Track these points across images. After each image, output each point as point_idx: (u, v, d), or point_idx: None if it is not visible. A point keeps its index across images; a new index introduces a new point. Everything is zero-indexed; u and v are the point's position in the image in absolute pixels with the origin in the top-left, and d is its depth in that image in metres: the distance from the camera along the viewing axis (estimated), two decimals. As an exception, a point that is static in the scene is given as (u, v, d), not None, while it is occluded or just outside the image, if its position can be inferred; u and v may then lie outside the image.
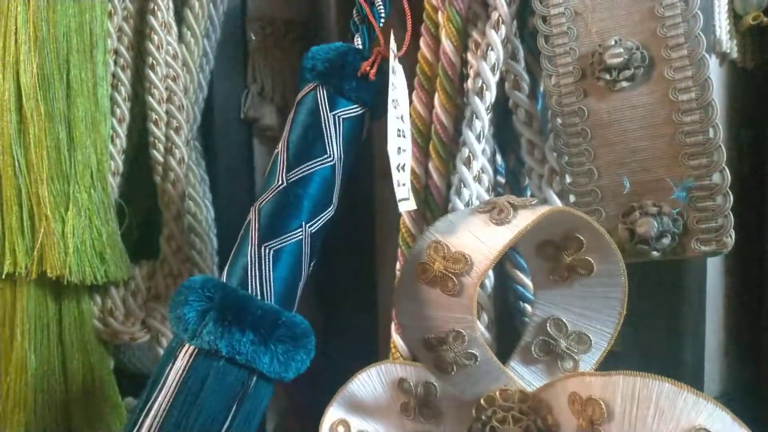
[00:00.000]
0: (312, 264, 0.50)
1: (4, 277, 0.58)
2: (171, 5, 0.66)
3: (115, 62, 0.65)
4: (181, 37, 0.68)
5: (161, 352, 0.65)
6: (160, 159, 0.66)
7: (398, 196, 0.48)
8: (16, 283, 0.60)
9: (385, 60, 0.52)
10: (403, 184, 0.48)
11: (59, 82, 0.58)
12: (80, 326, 0.62)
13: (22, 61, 0.56)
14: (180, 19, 0.68)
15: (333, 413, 0.48)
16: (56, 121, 0.57)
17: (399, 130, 0.49)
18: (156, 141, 0.65)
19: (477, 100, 0.50)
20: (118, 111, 0.64)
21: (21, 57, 0.56)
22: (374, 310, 0.74)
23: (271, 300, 0.47)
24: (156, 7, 0.65)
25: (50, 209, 0.57)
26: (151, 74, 0.65)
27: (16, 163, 0.57)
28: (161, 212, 0.66)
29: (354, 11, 0.53)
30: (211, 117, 0.73)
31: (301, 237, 0.49)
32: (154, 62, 0.65)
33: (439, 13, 0.53)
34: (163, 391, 0.45)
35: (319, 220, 0.50)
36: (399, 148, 0.48)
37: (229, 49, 0.75)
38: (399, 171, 0.48)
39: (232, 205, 0.74)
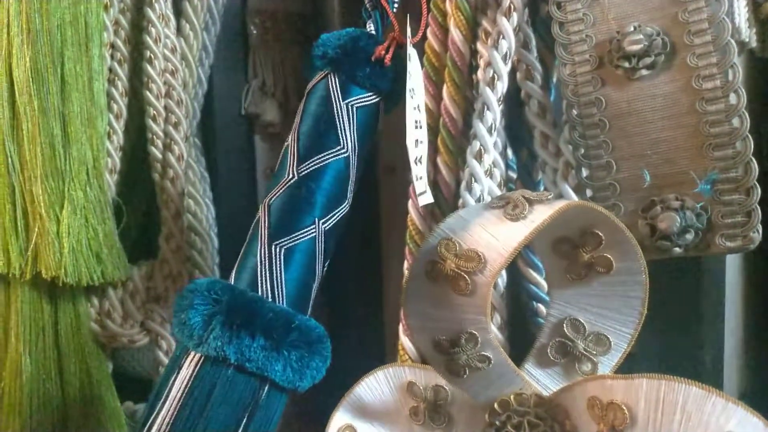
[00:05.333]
0: (326, 264, 0.48)
1: (-3, 278, 0.56)
2: (169, -3, 0.64)
3: (112, 56, 0.63)
4: (179, 30, 0.66)
5: (160, 355, 0.63)
6: (159, 156, 0.64)
7: (417, 190, 0.46)
8: (10, 284, 0.58)
9: (400, 46, 0.50)
10: (420, 178, 0.46)
11: (53, 76, 0.56)
12: (77, 329, 0.60)
13: (14, 55, 0.55)
14: (178, 11, 0.66)
15: (339, 418, 0.47)
16: (50, 116, 0.56)
17: (416, 122, 0.47)
18: (154, 137, 0.64)
19: (488, 90, 0.49)
20: (115, 106, 0.63)
21: (13, 50, 0.55)
22: (381, 311, 0.72)
23: (282, 302, 0.44)
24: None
25: (44, 208, 0.55)
26: (149, 68, 0.63)
27: (9, 160, 0.55)
28: (160, 211, 0.64)
29: None
30: (211, 113, 0.72)
31: (314, 234, 0.46)
32: (152, 56, 0.63)
33: (447, 1, 0.51)
34: (166, 405, 0.42)
35: (333, 215, 0.47)
36: (417, 141, 0.46)
37: (229, 43, 0.74)
38: (417, 164, 0.46)
39: (233, 203, 0.72)
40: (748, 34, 0.60)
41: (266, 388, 0.42)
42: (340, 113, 0.48)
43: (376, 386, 0.47)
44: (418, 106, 0.48)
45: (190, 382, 0.42)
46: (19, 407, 0.58)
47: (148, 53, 0.63)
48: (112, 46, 0.63)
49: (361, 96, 0.49)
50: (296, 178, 0.47)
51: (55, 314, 0.60)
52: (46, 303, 0.59)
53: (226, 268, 0.68)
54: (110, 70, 0.63)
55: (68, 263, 0.56)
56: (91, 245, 0.58)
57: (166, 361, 0.63)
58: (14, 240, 0.56)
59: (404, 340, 0.49)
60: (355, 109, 0.49)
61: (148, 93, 0.63)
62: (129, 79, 0.64)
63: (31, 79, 0.55)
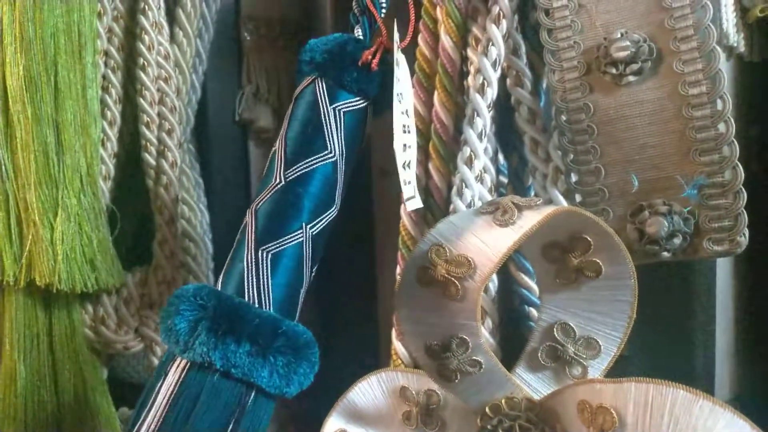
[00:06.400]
0: (314, 269, 0.48)
1: (-9, 285, 0.56)
2: (162, 5, 0.64)
3: (105, 63, 0.63)
4: (173, 38, 0.66)
5: (155, 361, 0.63)
6: (153, 162, 0.64)
7: (405, 195, 0.46)
8: (4, 291, 0.58)
9: (388, 51, 0.50)
10: (409, 183, 0.47)
11: (47, 84, 0.56)
12: (71, 335, 0.60)
13: (8, 63, 0.55)
14: (172, 18, 0.66)
15: (333, 423, 0.47)
16: (44, 124, 0.56)
17: (404, 126, 0.47)
18: (148, 144, 0.64)
19: (478, 97, 0.49)
20: (108, 113, 0.63)
21: (7, 59, 0.55)
22: (374, 316, 0.72)
23: (269, 308, 0.44)
24: (147, 7, 0.63)
25: (38, 215, 0.55)
26: (143, 75, 0.63)
27: (3, 167, 0.56)
28: (154, 217, 0.65)
29: (354, 3, 0.52)
30: (204, 119, 0.72)
31: (301, 239, 0.46)
32: (146, 63, 0.63)
33: (438, 8, 0.52)
34: (152, 411, 0.42)
35: (320, 220, 0.47)
36: (404, 145, 0.47)
37: (222, 49, 0.74)
38: (405, 169, 0.46)
39: (228, 209, 0.72)
40: (736, 39, 0.60)
41: (253, 394, 0.42)
42: (327, 118, 0.48)
43: (370, 391, 0.47)
44: (407, 111, 0.48)
45: (176, 388, 0.42)
46: (14, 414, 0.58)
47: (141, 60, 0.63)
48: (106, 53, 0.63)
49: (348, 101, 0.49)
50: (283, 183, 0.47)
51: (49, 321, 0.60)
52: (41, 310, 0.59)
53: (220, 273, 0.68)
54: (104, 77, 0.63)
55: (62, 270, 0.56)
56: (85, 252, 0.58)
57: (161, 367, 0.64)
58: (8, 247, 0.56)
59: (397, 345, 0.50)
60: (342, 113, 0.49)
61: (141, 100, 0.63)
62: (122, 86, 0.64)
63: (24, 87, 0.55)
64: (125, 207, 0.66)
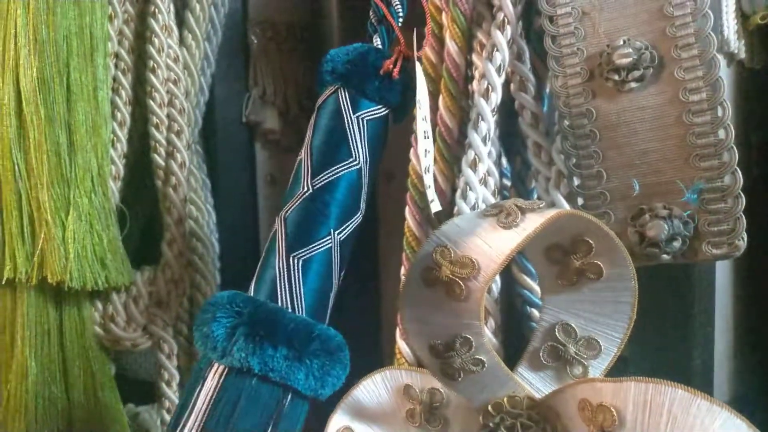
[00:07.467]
0: (342, 273, 0.49)
1: (4, 283, 0.57)
2: (172, 8, 0.65)
3: (116, 65, 0.64)
4: (182, 41, 0.67)
5: (162, 358, 0.64)
6: (162, 163, 0.65)
7: (429, 198, 0.48)
8: (16, 289, 0.59)
9: (407, 59, 0.51)
10: (429, 186, 0.48)
11: (59, 85, 0.57)
12: (81, 332, 0.61)
13: (21, 65, 0.56)
14: (181, 21, 0.67)
15: (337, 420, 0.48)
16: (56, 125, 0.57)
17: (425, 132, 0.48)
18: (157, 145, 0.65)
19: (482, 101, 0.50)
20: (118, 115, 0.64)
21: (20, 60, 0.56)
22: (379, 315, 0.73)
23: (302, 312, 0.45)
24: (157, 10, 0.64)
25: (50, 214, 0.56)
26: (152, 77, 0.64)
27: (16, 167, 0.56)
28: (162, 217, 0.65)
29: (371, 12, 0.53)
30: (212, 120, 0.73)
31: (330, 245, 0.47)
32: (155, 65, 0.64)
33: (443, 14, 0.52)
34: (192, 416, 0.42)
35: (347, 226, 0.48)
36: (425, 150, 0.48)
37: (230, 52, 0.75)
38: (426, 173, 0.47)
39: (234, 209, 0.73)
40: (737, 46, 0.61)
41: (289, 396, 0.43)
42: (351, 126, 0.49)
43: (374, 389, 0.48)
44: (425, 117, 0.49)
45: (215, 393, 0.42)
46: (24, 409, 0.59)
47: (151, 63, 0.64)
48: (116, 56, 0.64)
49: (371, 109, 0.50)
50: (311, 190, 0.48)
51: (60, 318, 0.61)
52: (52, 307, 0.60)
53: (226, 272, 0.69)
54: (114, 79, 0.64)
55: (73, 268, 0.57)
56: (95, 251, 0.58)
57: (168, 364, 0.64)
58: (20, 245, 0.57)
59: (401, 344, 0.50)
60: (365, 122, 0.50)
61: (151, 102, 0.64)
62: (132, 88, 0.65)
63: (37, 89, 0.56)
64: (134, 207, 0.67)
